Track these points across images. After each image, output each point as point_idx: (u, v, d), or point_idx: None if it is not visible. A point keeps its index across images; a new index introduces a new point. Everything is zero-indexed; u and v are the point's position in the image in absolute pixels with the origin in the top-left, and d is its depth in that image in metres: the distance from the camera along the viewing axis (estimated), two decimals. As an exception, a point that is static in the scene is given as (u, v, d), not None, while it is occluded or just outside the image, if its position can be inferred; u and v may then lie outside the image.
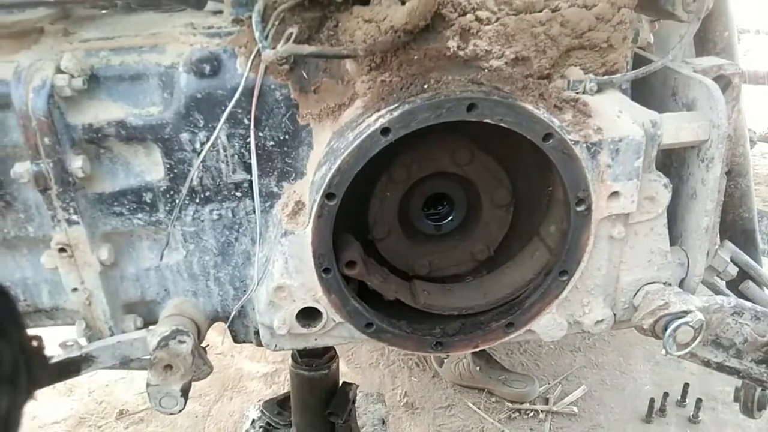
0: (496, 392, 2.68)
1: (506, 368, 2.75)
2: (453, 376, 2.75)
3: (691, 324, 1.21)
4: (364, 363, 2.84)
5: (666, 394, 2.51)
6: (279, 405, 1.92)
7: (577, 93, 1.19)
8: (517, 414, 2.60)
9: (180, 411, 1.28)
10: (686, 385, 2.54)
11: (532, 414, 2.60)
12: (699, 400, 2.47)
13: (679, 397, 2.55)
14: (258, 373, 2.84)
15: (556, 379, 2.75)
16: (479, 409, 2.61)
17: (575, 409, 2.58)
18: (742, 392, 1.80)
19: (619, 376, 2.74)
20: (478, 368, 2.69)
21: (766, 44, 6.40)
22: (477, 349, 1.34)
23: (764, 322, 1.29)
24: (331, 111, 1.19)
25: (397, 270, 1.37)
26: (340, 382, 1.78)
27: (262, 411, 1.94)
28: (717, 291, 1.60)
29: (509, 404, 2.63)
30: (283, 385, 2.70)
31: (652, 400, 2.49)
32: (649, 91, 1.37)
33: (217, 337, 1.45)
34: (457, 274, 1.40)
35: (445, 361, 2.78)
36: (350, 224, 1.27)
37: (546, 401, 2.64)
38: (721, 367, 1.36)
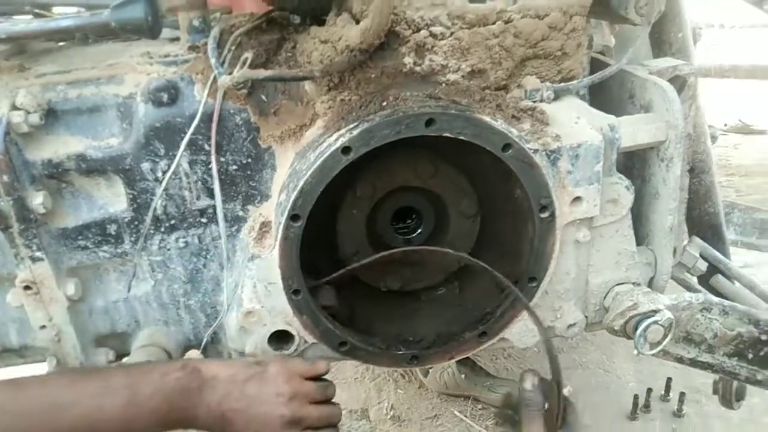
0: (483, 399, 2.68)
1: (491, 374, 2.75)
2: (438, 386, 2.75)
3: (660, 323, 1.22)
4: (349, 378, 2.82)
5: (650, 390, 2.53)
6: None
7: (534, 102, 1.20)
8: (504, 419, 2.60)
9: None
10: (669, 379, 2.55)
11: (518, 418, 2.60)
12: (682, 394, 2.48)
13: (662, 392, 2.56)
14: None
15: (541, 381, 2.76)
16: (466, 416, 2.61)
17: (561, 410, 2.59)
18: (720, 385, 1.82)
19: (603, 375, 2.75)
20: (463, 376, 2.68)
21: (730, 38, 6.52)
22: (452, 360, 1.35)
23: (732, 316, 1.31)
24: (292, 132, 1.20)
25: (369, 286, 1.37)
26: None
27: None
28: (688, 287, 1.62)
29: (495, 410, 2.63)
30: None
31: (636, 397, 2.50)
32: (608, 94, 1.39)
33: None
34: (428, 286, 1.41)
35: (430, 370, 2.77)
36: (320, 244, 1.28)
37: (532, 404, 2.64)
38: (694, 363, 1.38)
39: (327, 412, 1.05)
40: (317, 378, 1.09)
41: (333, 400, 1.10)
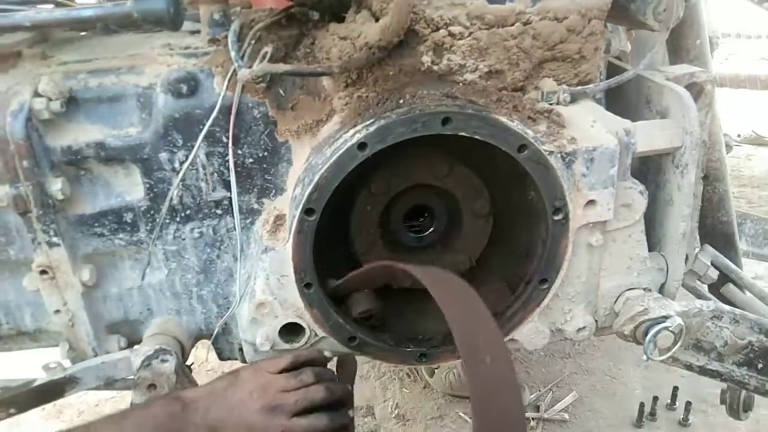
0: (488, 401, 2.68)
1: (497, 377, 2.75)
2: (444, 386, 2.75)
3: (670, 329, 1.22)
4: (355, 375, 2.84)
5: (656, 398, 2.52)
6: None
7: (550, 104, 1.20)
8: (509, 422, 2.60)
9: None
10: (675, 388, 2.54)
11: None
12: (688, 403, 2.47)
13: (668, 401, 2.55)
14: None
15: (546, 386, 2.76)
16: (470, 418, 2.61)
17: (566, 415, 2.58)
18: (727, 394, 1.81)
19: (610, 382, 2.74)
20: (468, 377, 2.68)
21: (746, 48, 6.49)
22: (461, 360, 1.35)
23: (743, 324, 1.31)
24: (309, 127, 1.21)
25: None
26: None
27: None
28: (699, 295, 1.62)
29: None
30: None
31: (642, 405, 2.49)
32: (624, 99, 1.39)
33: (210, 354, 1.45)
34: (439, 285, 1.41)
35: (436, 371, 2.78)
36: (333, 238, 1.28)
37: (537, 408, 2.64)
38: (703, 371, 1.38)
39: (302, 394, 1.07)
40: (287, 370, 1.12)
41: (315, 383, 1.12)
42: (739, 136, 4.95)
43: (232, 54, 1.14)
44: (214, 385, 1.10)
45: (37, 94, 1.12)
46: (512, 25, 1.16)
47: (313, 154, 1.18)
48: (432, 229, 1.40)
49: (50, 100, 1.12)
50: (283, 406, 1.06)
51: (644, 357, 1.25)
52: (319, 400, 1.08)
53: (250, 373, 1.10)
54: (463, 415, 2.65)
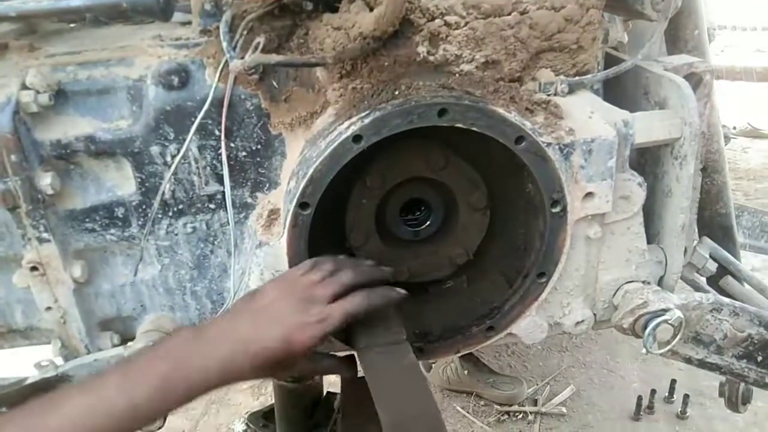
0: (485, 395, 2.68)
1: (494, 371, 2.75)
2: (441, 381, 2.75)
3: (670, 322, 1.21)
4: (352, 371, 2.83)
5: (653, 391, 2.52)
6: (264, 417, 1.91)
7: (548, 95, 1.18)
8: (506, 416, 2.60)
9: (160, 428, 1.26)
10: (673, 381, 2.55)
11: (521, 416, 2.60)
12: (686, 396, 2.48)
13: (666, 394, 2.56)
14: (244, 385, 2.82)
15: (544, 379, 2.76)
16: (468, 413, 2.61)
17: (564, 409, 2.58)
18: (726, 387, 1.80)
19: (607, 375, 2.75)
20: (466, 372, 2.69)
21: (742, 40, 6.49)
22: (458, 354, 1.34)
23: (742, 317, 1.29)
24: (303, 119, 1.19)
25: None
26: (324, 393, 1.77)
27: (247, 424, 1.92)
28: (697, 288, 1.61)
29: (498, 407, 2.62)
30: (270, 397, 2.68)
31: (639, 398, 2.49)
32: (622, 90, 1.38)
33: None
34: (436, 279, 1.40)
35: (433, 365, 2.77)
36: (328, 233, 1.26)
37: (535, 402, 2.64)
38: (702, 364, 1.37)
39: (331, 279, 1.02)
40: None
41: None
42: (734, 128, 4.95)
43: (224, 45, 1.12)
44: (231, 309, 1.04)
45: (24, 87, 1.09)
46: (509, 14, 1.14)
47: (308, 147, 1.17)
48: (428, 222, 1.38)
49: (38, 92, 1.10)
50: (315, 297, 0.99)
51: (643, 350, 1.24)
52: (350, 281, 1.02)
53: (271, 284, 1.04)
54: (461, 409, 2.64)
